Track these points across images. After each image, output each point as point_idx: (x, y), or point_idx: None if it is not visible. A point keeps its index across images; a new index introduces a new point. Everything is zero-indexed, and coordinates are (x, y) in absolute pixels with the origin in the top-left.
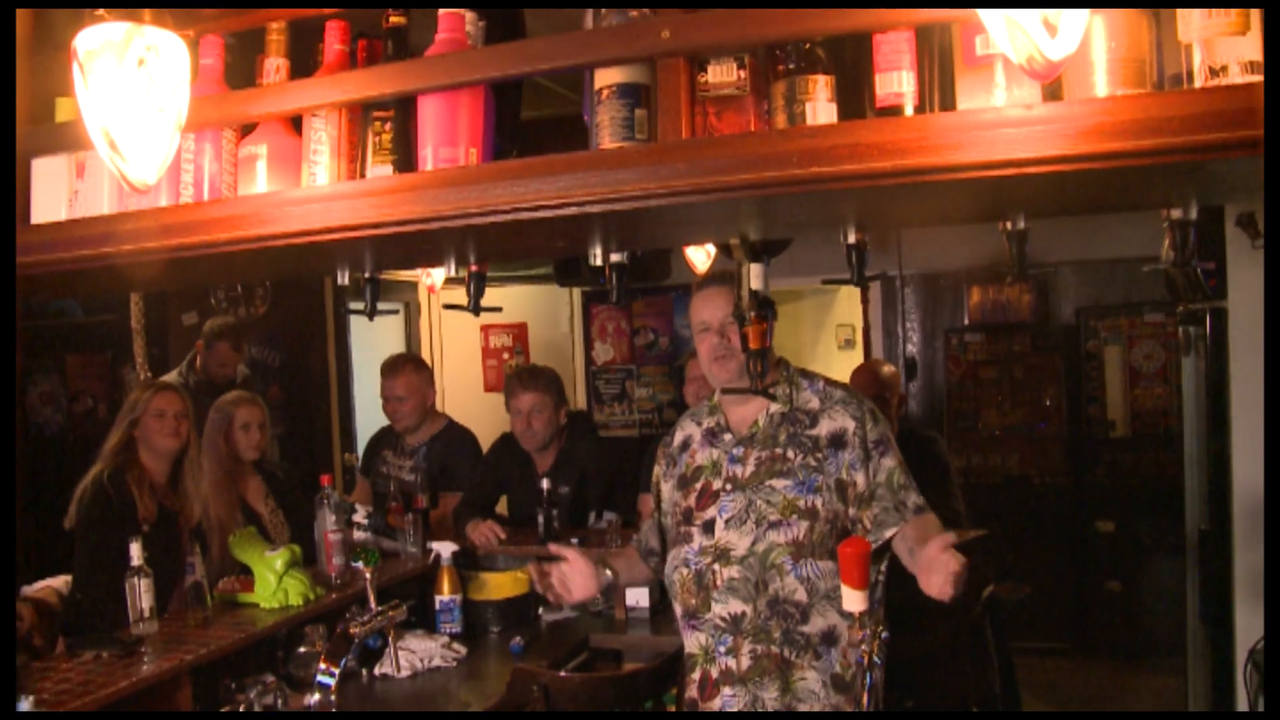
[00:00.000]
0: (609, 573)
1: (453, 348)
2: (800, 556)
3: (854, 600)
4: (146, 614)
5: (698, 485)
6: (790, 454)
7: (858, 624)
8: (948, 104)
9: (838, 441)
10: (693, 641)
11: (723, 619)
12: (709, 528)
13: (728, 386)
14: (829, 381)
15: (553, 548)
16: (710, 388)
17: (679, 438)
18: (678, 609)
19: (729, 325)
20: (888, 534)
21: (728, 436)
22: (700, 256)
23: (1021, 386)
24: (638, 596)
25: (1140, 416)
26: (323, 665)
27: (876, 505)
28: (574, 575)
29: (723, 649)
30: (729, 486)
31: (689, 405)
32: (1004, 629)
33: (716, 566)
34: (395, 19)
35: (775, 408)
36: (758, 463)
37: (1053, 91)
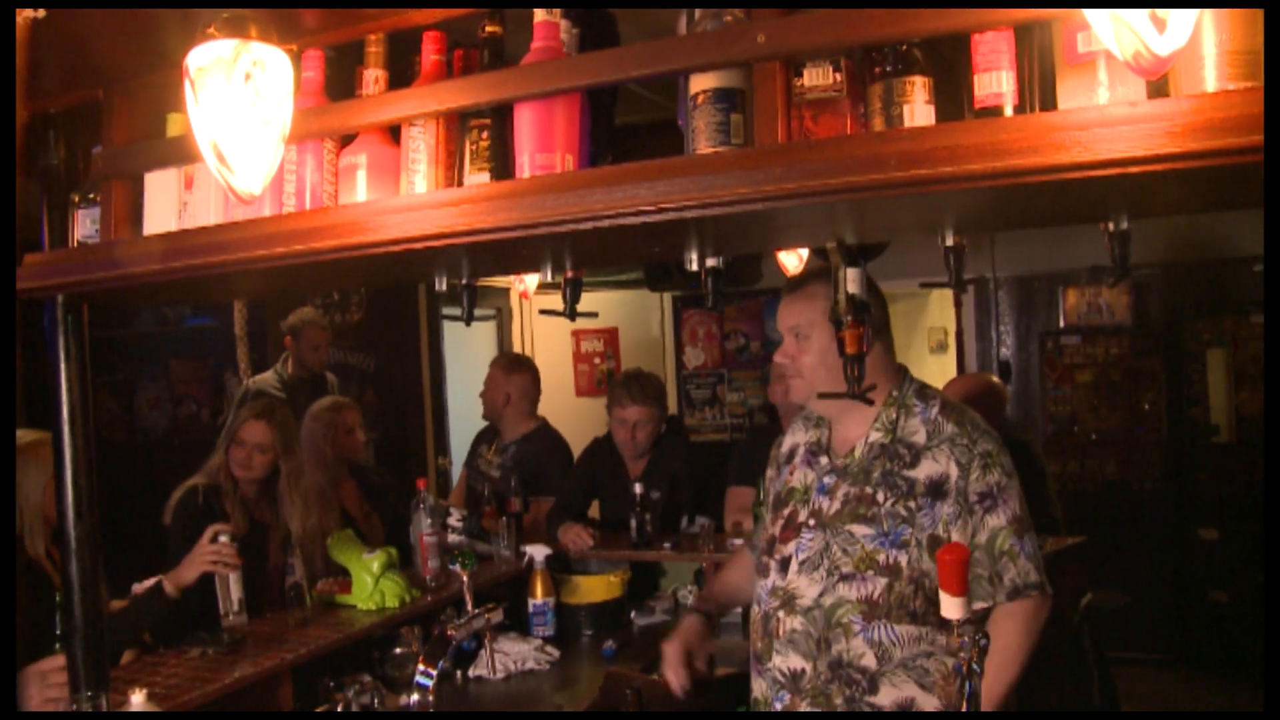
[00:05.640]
0: (704, 620)
1: (544, 352)
2: (873, 617)
3: (953, 608)
4: (236, 608)
5: (786, 511)
6: (880, 496)
7: (957, 631)
8: (1048, 103)
9: (936, 490)
10: (756, 687)
11: (782, 673)
12: (784, 566)
13: (824, 391)
14: (946, 407)
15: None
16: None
17: (788, 444)
18: (751, 644)
19: (796, 341)
20: (978, 608)
21: (824, 459)
22: (792, 260)
23: (1119, 390)
24: None
25: (1246, 421)
26: (421, 666)
27: (970, 572)
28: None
29: (779, 705)
30: (812, 521)
31: (774, 404)
32: (1103, 638)
33: (781, 613)
34: (491, 28)
35: (876, 436)
36: (845, 499)
37: (1158, 88)
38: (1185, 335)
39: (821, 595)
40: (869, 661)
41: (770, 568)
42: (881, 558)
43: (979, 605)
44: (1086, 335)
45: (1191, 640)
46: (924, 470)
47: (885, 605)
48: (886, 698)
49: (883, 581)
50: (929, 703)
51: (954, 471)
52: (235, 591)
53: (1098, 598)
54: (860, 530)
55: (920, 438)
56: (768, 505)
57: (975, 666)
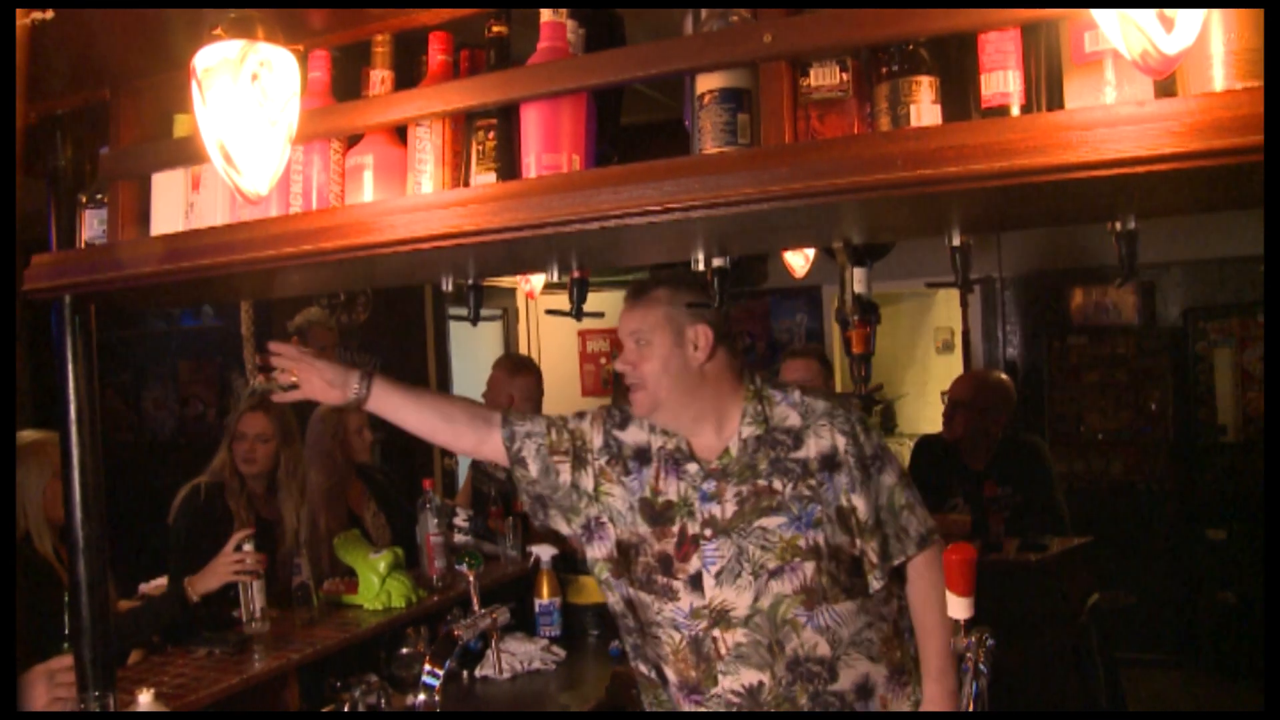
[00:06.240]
0: (358, 386)
1: (550, 352)
2: (814, 604)
3: (959, 607)
4: (259, 615)
5: (674, 528)
6: (778, 484)
7: (963, 631)
8: (1055, 103)
9: (829, 463)
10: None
11: (735, 693)
12: (696, 583)
13: (809, 389)
14: (806, 391)
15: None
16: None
17: (634, 439)
18: (669, 675)
19: (636, 348)
20: (895, 564)
21: (693, 467)
22: (799, 260)
23: (1125, 390)
24: None
25: (1254, 421)
26: (428, 666)
27: (880, 533)
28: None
29: None
30: (708, 532)
31: None
32: (1110, 639)
33: (717, 632)
34: (497, 28)
35: (748, 431)
36: (739, 499)
37: (1165, 88)
38: (1192, 335)
39: (757, 600)
40: (824, 650)
41: (677, 589)
42: (802, 542)
43: (896, 562)
44: (1093, 335)
45: (1199, 641)
46: (811, 448)
47: (820, 588)
48: (846, 680)
49: (810, 565)
50: (879, 673)
51: (841, 442)
52: (259, 599)
53: (1104, 598)
54: (772, 522)
55: (794, 420)
56: (616, 499)
57: (982, 667)
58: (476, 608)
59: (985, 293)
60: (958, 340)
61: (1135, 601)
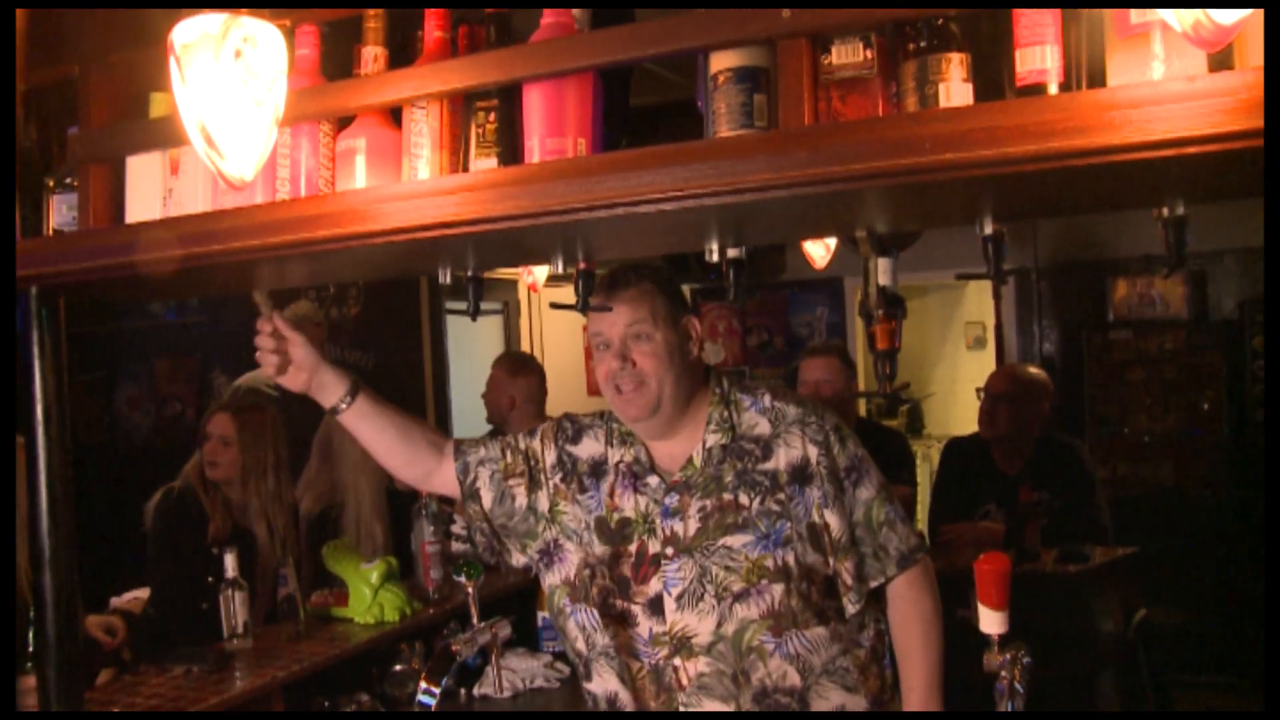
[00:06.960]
0: (345, 397)
1: (554, 348)
2: (782, 630)
3: (993, 622)
4: (240, 629)
5: (631, 547)
6: (744, 499)
7: (996, 648)
8: (1097, 80)
9: (800, 475)
10: None
11: None
12: (656, 607)
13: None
14: (777, 395)
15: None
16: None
17: (588, 451)
18: (628, 705)
19: (634, 343)
20: (872, 586)
21: (654, 480)
22: (819, 251)
23: (1174, 389)
24: None
25: None
26: (423, 684)
27: (856, 552)
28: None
29: None
30: (670, 551)
31: None
32: (1159, 659)
33: (678, 661)
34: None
35: (713, 439)
36: (703, 515)
37: (1220, 61)
38: (1249, 329)
39: (720, 625)
40: (793, 680)
41: (635, 613)
42: (769, 562)
43: (873, 584)
44: (1138, 329)
45: (1257, 662)
46: (781, 459)
47: (789, 612)
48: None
49: (779, 587)
50: (857, 704)
51: (813, 452)
52: (241, 613)
53: (1153, 614)
54: (737, 541)
55: (764, 428)
56: (569, 518)
57: (1018, 686)
58: (475, 621)
59: (1019, 284)
60: (990, 335)
61: (1186, 619)
